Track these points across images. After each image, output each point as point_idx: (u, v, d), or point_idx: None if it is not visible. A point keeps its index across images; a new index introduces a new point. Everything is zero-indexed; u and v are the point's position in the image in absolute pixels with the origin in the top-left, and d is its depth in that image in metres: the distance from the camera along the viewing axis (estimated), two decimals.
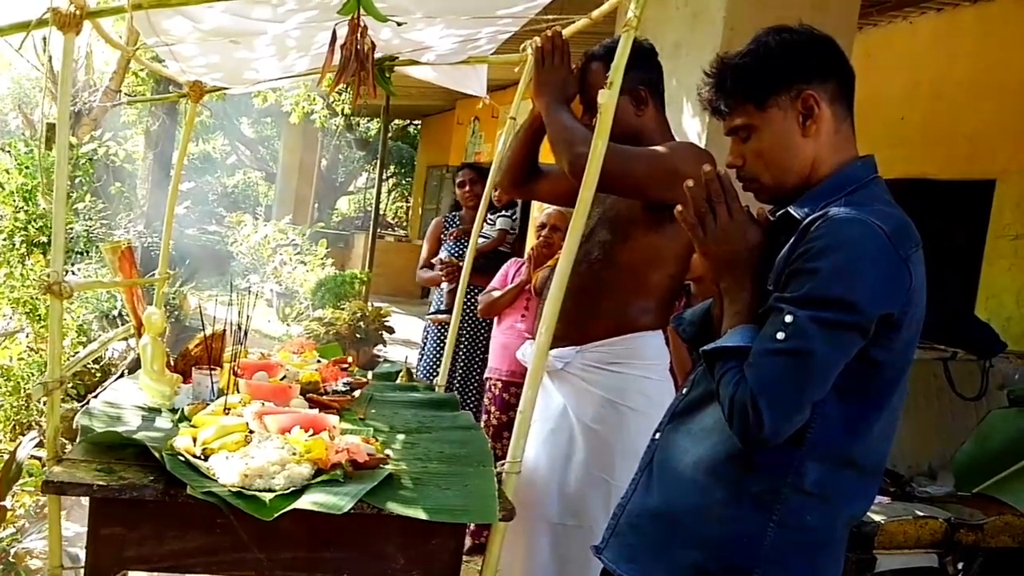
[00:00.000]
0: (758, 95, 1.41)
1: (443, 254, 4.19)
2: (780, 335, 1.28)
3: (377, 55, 2.23)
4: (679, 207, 1.44)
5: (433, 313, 4.14)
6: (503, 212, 4.26)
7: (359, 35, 1.76)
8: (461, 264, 3.97)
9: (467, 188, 4.21)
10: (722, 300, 1.47)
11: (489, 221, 4.16)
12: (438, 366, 4.06)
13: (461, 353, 4.09)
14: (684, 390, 1.58)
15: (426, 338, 4.24)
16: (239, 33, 2.08)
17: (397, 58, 2.49)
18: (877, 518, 2.79)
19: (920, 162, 5.42)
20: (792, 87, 1.40)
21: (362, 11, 1.81)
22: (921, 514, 2.85)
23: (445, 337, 4.08)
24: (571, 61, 2.16)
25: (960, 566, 2.91)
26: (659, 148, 2.04)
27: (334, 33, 1.83)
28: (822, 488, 1.36)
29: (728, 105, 1.45)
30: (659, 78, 2.21)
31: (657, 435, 1.59)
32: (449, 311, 4.01)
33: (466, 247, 4.07)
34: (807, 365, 1.27)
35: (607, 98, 1.86)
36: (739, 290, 1.41)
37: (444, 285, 4.08)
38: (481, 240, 4.12)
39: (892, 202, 1.40)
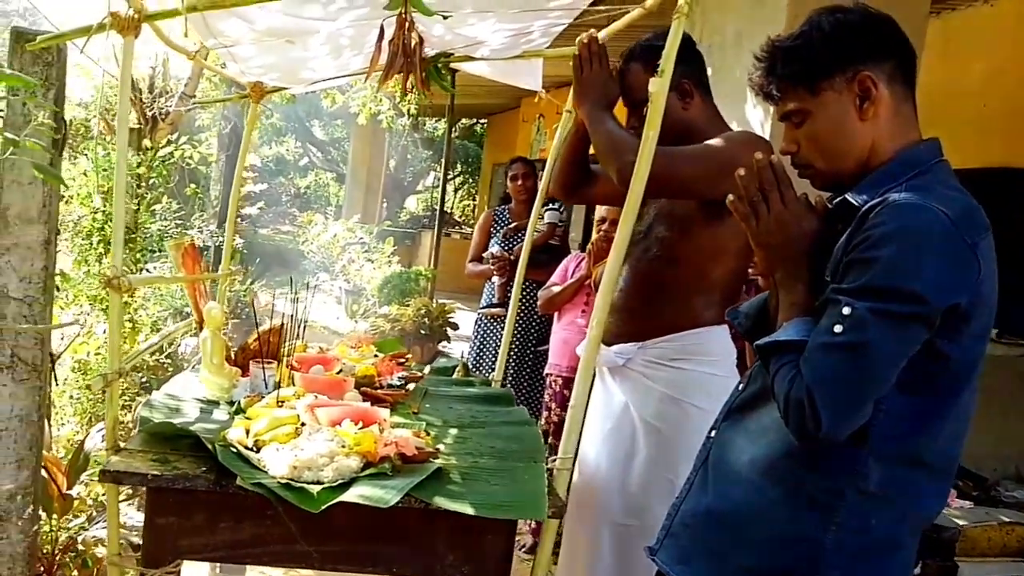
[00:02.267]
0: (811, 78, 1.36)
1: (493, 248, 4.16)
2: (837, 328, 1.22)
3: (431, 52, 2.24)
4: (731, 197, 1.39)
5: (485, 307, 4.13)
6: (550, 205, 4.21)
7: (406, 29, 1.75)
8: (511, 258, 3.97)
9: (519, 182, 4.18)
10: (778, 292, 1.42)
11: (540, 215, 4.12)
12: (485, 359, 4.06)
13: (513, 349, 4.08)
14: (740, 386, 1.54)
15: (476, 332, 4.23)
16: (292, 33, 2.11)
17: (452, 55, 2.48)
18: (959, 523, 2.66)
19: (1003, 151, 5.16)
20: (847, 69, 1.34)
21: (410, 6, 1.80)
22: (1007, 520, 2.74)
23: (493, 331, 4.07)
24: (609, 64, 2.12)
25: None
26: (709, 143, 1.99)
27: (382, 29, 1.84)
28: (887, 489, 1.29)
29: (780, 89, 1.39)
30: (701, 69, 2.16)
31: (712, 432, 1.55)
32: (501, 305, 4.02)
33: (516, 242, 4.07)
34: (866, 360, 1.21)
35: (658, 86, 1.83)
36: (795, 281, 1.36)
37: (495, 278, 4.06)
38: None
39: (958, 186, 1.32)
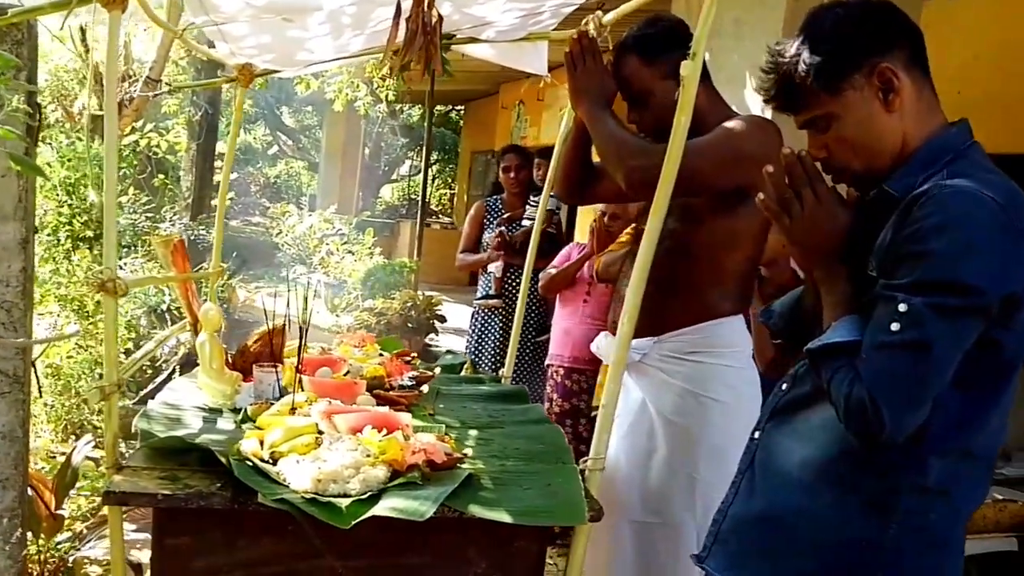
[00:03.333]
0: (828, 82, 1.30)
1: (485, 238, 4.05)
2: (895, 326, 1.18)
3: None
4: (761, 195, 1.33)
5: (482, 298, 4.02)
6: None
7: (426, 6, 1.62)
8: (509, 239, 3.86)
9: (512, 174, 4.07)
10: (816, 290, 1.37)
11: (532, 203, 4.02)
12: (484, 352, 3.96)
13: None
14: (784, 386, 1.47)
15: (473, 325, 4.12)
16: (293, 9, 1.97)
17: (454, 36, 2.35)
18: None
19: (978, 138, 5.22)
20: (863, 65, 1.29)
21: None
22: (1000, 497, 2.82)
23: (491, 323, 3.97)
24: (603, 59, 2.05)
25: None
26: (719, 133, 1.92)
27: (398, 5, 1.70)
28: (944, 484, 1.27)
29: (797, 99, 1.34)
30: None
31: (756, 434, 1.49)
32: (498, 296, 3.91)
33: (511, 232, 3.96)
34: (927, 357, 1.17)
35: (689, 70, 1.75)
36: (834, 279, 1.32)
37: (492, 267, 3.95)
38: (526, 223, 3.99)
39: (996, 169, 1.28)
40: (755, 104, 3.58)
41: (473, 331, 4.09)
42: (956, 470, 1.27)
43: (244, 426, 1.88)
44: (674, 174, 1.75)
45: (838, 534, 1.30)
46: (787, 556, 1.35)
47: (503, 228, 3.95)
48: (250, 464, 1.59)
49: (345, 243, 9.57)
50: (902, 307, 1.17)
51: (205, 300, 2.85)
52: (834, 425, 1.28)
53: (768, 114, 3.50)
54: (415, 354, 2.64)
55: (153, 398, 2.14)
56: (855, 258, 1.31)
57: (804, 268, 1.40)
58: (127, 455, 1.68)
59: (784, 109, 1.37)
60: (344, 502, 1.48)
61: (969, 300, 1.16)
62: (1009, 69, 5.34)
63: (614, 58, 2.07)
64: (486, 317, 4.02)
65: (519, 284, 3.95)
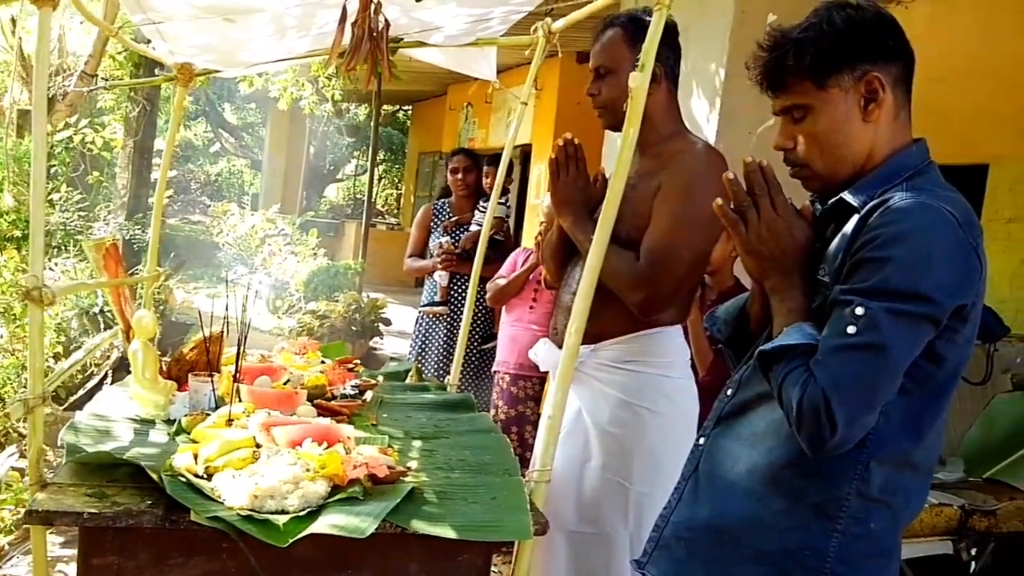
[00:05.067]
0: (819, 73, 1.30)
1: (431, 243, 4.01)
2: (851, 329, 1.19)
3: None
4: (717, 201, 1.33)
5: (427, 305, 3.97)
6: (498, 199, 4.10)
7: (372, 11, 1.59)
8: (457, 251, 3.84)
9: (460, 176, 4.02)
10: (762, 298, 1.38)
11: (481, 208, 4.00)
12: (427, 359, 3.92)
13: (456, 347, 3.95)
14: (728, 391, 1.48)
15: (417, 331, 4.08)
16: (236, 10, 1.91)
17: (402, 39, 2.32)
18: None
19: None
20: (856, 67, 1.30)
21: None
22: (935, 501, 2.84)
23: (435, 330, 3.94)
24: (587, 166, 2.03)
25: (973, 552, 2.89)
26: (686, 208, 1.90)
27: (344, 9, 1.66)
28: (886, 493, 1.28)
29: (784, 82, 1.34)
30: (676, 60, 2.07)
31: (701, 440, 1.49)
32: (443, 303, 3.88)
33: (458, 237, 3.93)
34: (882, 360, 1.18)
35: (638, 82, 1.75)
36: (789, 287, 1.32)
37: (437, 275, 3.91)
38: (474, 227, 3.97)
39: (951, 187, 1.31)
40: (701, 113, 3.62)
41: (417, 337, 4.04)
42: (897, 480, 1.29)
43: (178, 439, 1.82)
44: (622, 184, 1.75)
45: (783, 541, 1.31)
46: (732, 563, 1.35)
47: (448, 238, 3.91)
48: (183, 480, 1.53)
49: (288, 243, 9.38)
50: (859, 311, 1.18)
51: (140, 305, 2.76)
52: (779, 430, 1.30)
53: (713, 126, 3.57)
54: (358, 361, 2.59)
55: (83, 406, 2.05)
56: (807, 265, 1.32)
57: (756, 278, 1.40)
58: (54, 466, 1.60)
59: (767, 88, 1.37)
60: (282, 519, 1.43)
61: (924, 308, 1.18)
62: (943, 82, 5.52)
63: (600, 28, 2.04)
64: (430, 323, 3.97)
65: (465, 290, 3.92)
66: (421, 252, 4.09)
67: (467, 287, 3.94)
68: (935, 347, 1.22)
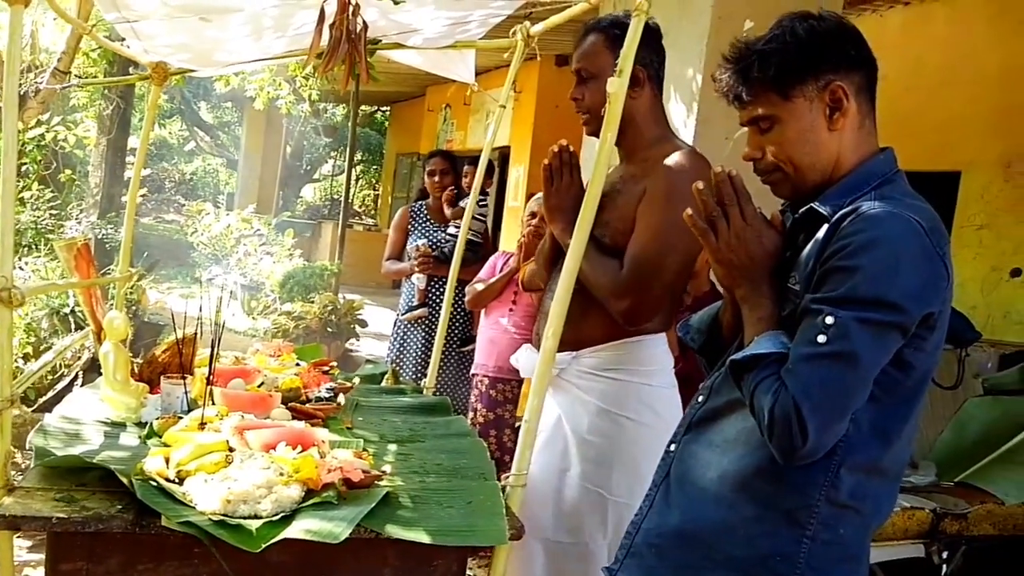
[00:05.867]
0: (784, 84, 1.32)
1: (419, 242, 4.00)
2: (821, 338, 1.20)
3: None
4: (688, 211, 1.34)
5: (406, 313, 3.95)
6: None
7: (350, 13, 1.58)
8: (435, 253, 3.83)
9: (437, 178, 4.01)
10: (734, 306, 1.39)
11: (460, 205, 3.99)
12: (406, 363, 3.90)
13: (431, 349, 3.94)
14: (700, 398, 1.48)
15: (396, 334, 4.05)
16: (212, 10, 1.89)
17: (380, 41, 2.31)
18: None
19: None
20: (820, 77, 1.32)
21: None
22: (908, 505, 2.87)
23: (414, 333, 3.92)
24: (581, 173, 2.01)
25: (944, 555, 2.91)
26: (667, 216, 1.86)
27: (322, 11, 1.65)
28: (855, 498, 1.29)
29: (750, 93, 1.35)
30: (660, 63, 2.07)
31: (672, 447, 1.49)
32: (422, 305, 3.87)
33: (438, 235, 3.92)
34: (852, 369, 1.20)
35: (616, 87, 1.74)
36: (759, 296, 1.33)
37: (415, 278, 3.90)
38: (453, 231, 3.96)
39: (918, 195, 1.33)
40: (678, 118, 3.64)
41: (395, 342, 4.02)
42: (867, 485, 1.29)
43: (149, 442, 1.80)
44: (599, 190, 1.75)
45: (754, 548, 1.31)
46: (703, 569, 1.35)
47: (423, 242, 3.90)
48: (154, 484, 1.51)
49: (264, 244, 9.31)
50: (829, 320, 1.19)
51: (111, 306, 2.72)
52: (749, 438, 1.30)
53: (691, 130, 3.59)
54: (334, 363, 2.58)
55: (53, 408, 2.02)
56: (777, 273, 1.33)
57: (727, 287, 1.40)
58: (23, 469, 1.58)
59: (734, 100, 1.38)
60: (255, 524, 1.42)
61: (893, 316, 1.19)
62: (916, 89, 5.60)
63: (581, 32, 2.03)
64: (408, 328, 3.96)
65: (443, 293, 3.91)
66: (399, 255, 4.07)
67: (445, 289, 3.94)
68: (903, 355, 1.24)
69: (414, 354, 3.91)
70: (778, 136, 1.34)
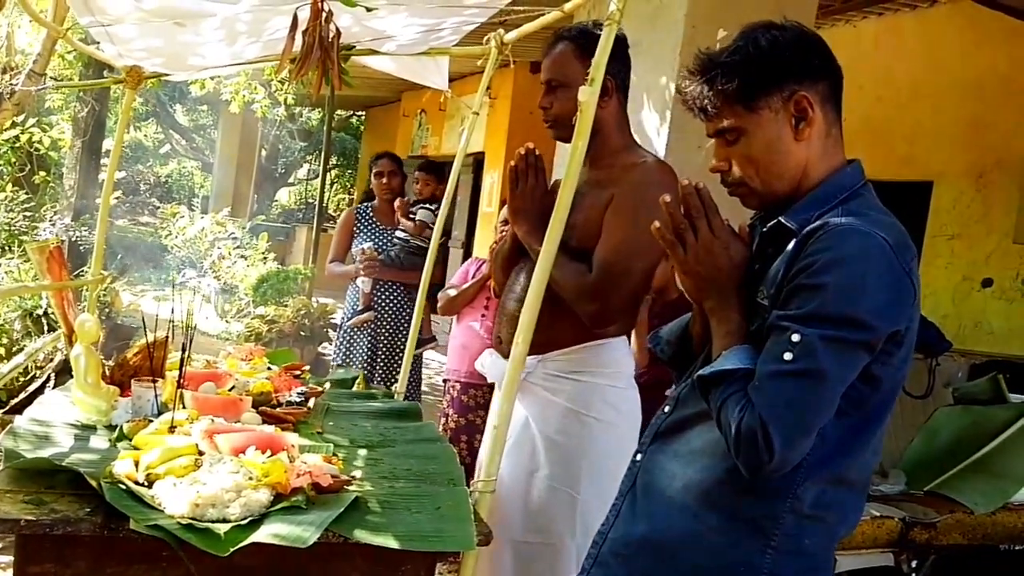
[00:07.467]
0: (748, 95, 1.32)
1: (365, 244, 3.97)
2: (787, 355, 1.20)
3: None
4: (656, 223, 1.34)
5: (352, 318, 3.90)
6: (425, 205, 4.06)
7: (323, 20, 1.60)
8: (381, 257, 3.82)
9: (384, 180, 3.98)
10: (703, 319, 1.40)
11: (411, 215, 4.00)
12: (352, 367, 3.88)
13: (382, 354, 3.92)
14: (666, 408, 1.49)
15: (341, 342, 4.00)
16: (186, 14, 1.90)
17: (354, 47, 2.33)
18: None
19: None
20: (784, 88, 1.32)
21: None
22: (877, 514, 2.86)
23: (359, 339, 3.91)
24: (547, 177, 2.05)
25: (914, 564, 2.93)
26: (636, 224, 1.90)
27: (295, 17, 1.67)
28: (819, 510, 1.30)
29: (715, 106, 1.35)
30: (627, 72, 2.11)
31: (638, 456, 1.50)
32: (367, 309, 3.84)
33: (385, 238, 3.91)
34: (818, 386, 1.20)
35: (587, 96, 1.77)
36: (726, 309, 1.33)
37: (359, 281, 3.88)
38: (400, 234, 3.95)
39: (885, 209, 1.34)
40: (651, 125, 3.68)
41: (340, 347, 3.97)
42: (831, 496, 1.30)
43: (119, 445, 1.79)
44: (570, 198, 1.78)
45: (719, 558, 1.31)
46: None
47: (369, 246, 3.88)
48: (123, 487, 1.51)
49: (238, 247, 9.25)
50: (795, 337, 1.19)
51: (83, 308, 2.71)
52: (715, 449, 1.31)
53: (663, 138, 3.63)
54: (306, 367, 2.58)
55: (24, 410, 2.01)
56: (745, 287, 1.33)
57: (695, 299, 1.41)
58: None
59: (700, 113, 1.38)
60: (223, 528, 1.42)
61: (859, 334, 1.19)
62: (888, 100, 5.68)
63: (550, 41, 2.05)
64: (353, 332, 3.92)
65: (388, 296, 3.90)
66: (343, 257, 4.02)
67: (391, 293, 3.93)
68: (871, 370, 1.24)
69: (360, 359, 3.87)
70: (744, 148, 1.34)
